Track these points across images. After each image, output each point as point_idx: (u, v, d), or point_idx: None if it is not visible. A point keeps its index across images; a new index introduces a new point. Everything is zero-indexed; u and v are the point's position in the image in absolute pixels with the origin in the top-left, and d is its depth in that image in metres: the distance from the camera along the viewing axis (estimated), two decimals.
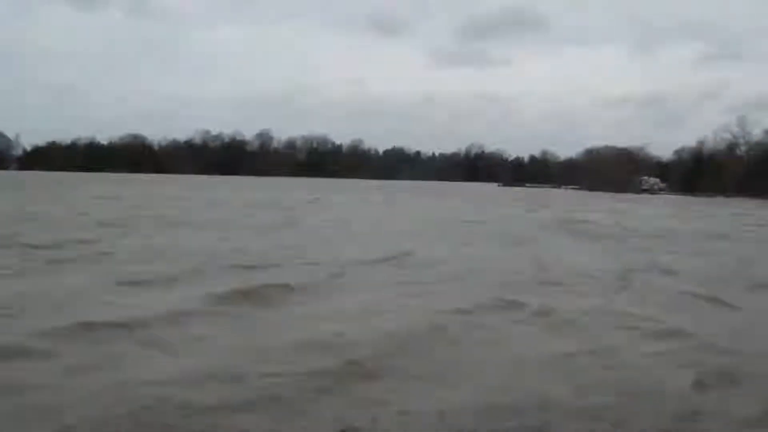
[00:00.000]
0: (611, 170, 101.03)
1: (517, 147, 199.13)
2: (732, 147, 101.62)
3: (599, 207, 47.50)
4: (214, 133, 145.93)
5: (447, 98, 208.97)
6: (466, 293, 10.13)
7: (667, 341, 7.53)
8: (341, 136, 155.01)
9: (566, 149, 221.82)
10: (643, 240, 21.56)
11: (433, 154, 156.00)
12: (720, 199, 79.74)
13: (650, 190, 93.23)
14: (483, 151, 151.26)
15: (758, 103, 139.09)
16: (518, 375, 6.10)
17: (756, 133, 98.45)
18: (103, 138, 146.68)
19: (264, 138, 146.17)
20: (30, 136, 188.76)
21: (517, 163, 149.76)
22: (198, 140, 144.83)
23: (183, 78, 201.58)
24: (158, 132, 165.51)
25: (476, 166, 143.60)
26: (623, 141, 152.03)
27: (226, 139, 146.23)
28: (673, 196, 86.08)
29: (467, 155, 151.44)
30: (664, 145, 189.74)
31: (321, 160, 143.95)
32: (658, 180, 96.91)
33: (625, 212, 41.51)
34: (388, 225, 24.68)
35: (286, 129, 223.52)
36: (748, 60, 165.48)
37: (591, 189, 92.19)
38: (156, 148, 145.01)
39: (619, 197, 74.97)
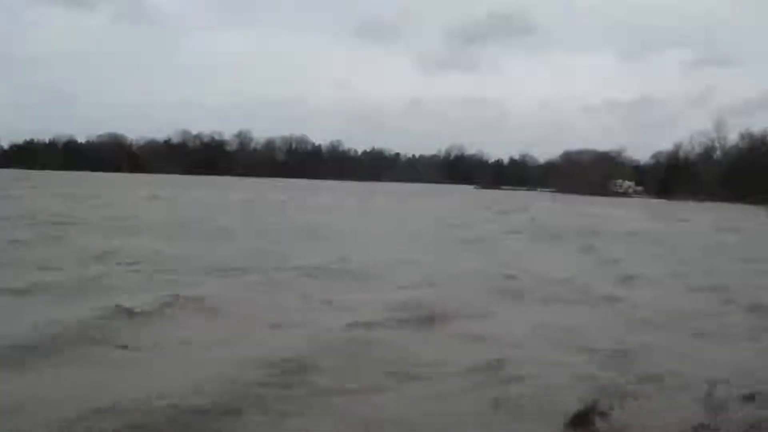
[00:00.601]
0: (587, 173, 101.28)
1: (504, 150, 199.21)
2: (708, 151, 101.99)
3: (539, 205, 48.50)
4: (193, 133, 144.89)
5: (434, 102, 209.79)
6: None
7: None
8: (326, 138, 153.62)
9: (553, 152, 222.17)
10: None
11: (414, 156, 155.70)
12: (691, 204, 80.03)
13: (624, 193, 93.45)
14: (463, 154, 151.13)
15: (745, 108, 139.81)
16: None
17: (732, 138, 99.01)
18: (83, 137, 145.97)
19: (243, 138, 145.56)
20: (14, 135, 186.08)
21: (498, 165, 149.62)
22: (177, 140, 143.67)
23: (171, 81, 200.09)
24: (144, 134, 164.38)
25: (456, 168, 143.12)
26: (607, 145, 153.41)
27: (206, 139, 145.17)
28: (642, 199, 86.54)
29: (447, 157, 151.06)
30: (650, 150, 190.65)
31: (300, 161, 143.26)
32: (632, 183, 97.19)
33: (551, 211, 42.70)
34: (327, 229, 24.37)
35: (271, 131, 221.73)
36: (736, 66, 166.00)
37: (564, 191, 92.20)
38: (134, 147, 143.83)
39: (586, 199, 75.16)
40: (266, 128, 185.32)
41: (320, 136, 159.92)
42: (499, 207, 48.37)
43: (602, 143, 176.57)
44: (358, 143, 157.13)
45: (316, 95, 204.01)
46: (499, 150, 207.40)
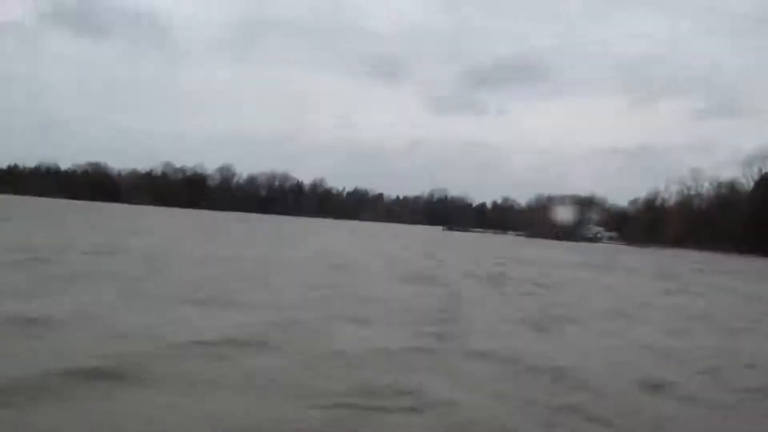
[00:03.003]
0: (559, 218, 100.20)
1: (502, 194, 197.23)
2: (685, 198, 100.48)
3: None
4: (176, 165, 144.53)
5: (434, 144, 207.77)
6: None
7: None
8: (319, 175, 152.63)
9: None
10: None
11: (398, 197, 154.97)
12: (651, 249, 78.67)
13: (593, 238, 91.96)
14: (446, 196, 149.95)
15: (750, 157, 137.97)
16: None
17: (706, 186, 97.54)
18: (66, 165, 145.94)
19: (225, 172, 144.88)
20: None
21: (481, 208, 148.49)
22: (159, 171, 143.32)
23: (167, 112, 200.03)
24: (134, 164, 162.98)
25: (437, 210, 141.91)
26: (606, 191, 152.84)
27: (188, 172, 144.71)
28: (606, 245, 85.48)
29: (430, 199, 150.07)
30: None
31: (282, 198, 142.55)
32: (602, 229, 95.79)
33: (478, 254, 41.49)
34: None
35: (265, 166, 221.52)
36: (742, 116, 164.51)
37: (533, 236, 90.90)
38: (116, 177, 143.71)
39: (549, 243, 74.02)
40: (260, 163, 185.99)
41: (316, 173, 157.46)
42: (432, 250, 47.08)
43: (602, 188, 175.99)
44: (352, 181, 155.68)
45: (315, 132, 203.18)
46: (496, 193, 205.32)
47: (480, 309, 14.32)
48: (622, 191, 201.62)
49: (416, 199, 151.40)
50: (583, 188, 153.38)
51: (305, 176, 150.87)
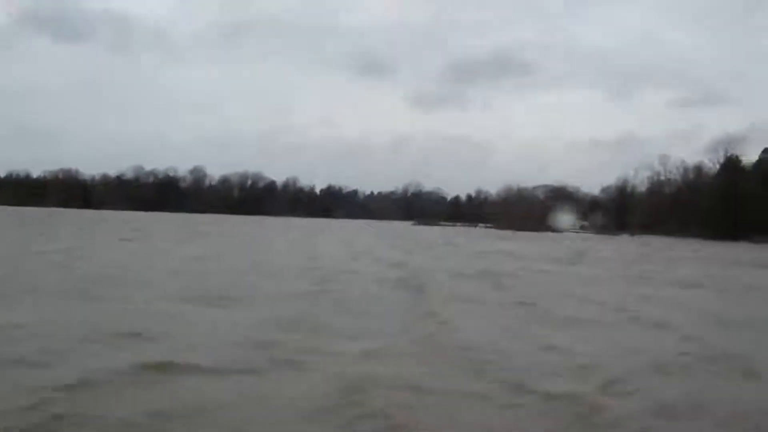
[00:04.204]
0: (530, 208, 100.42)
1: (482, 188, 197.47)
2: (654, 184, 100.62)
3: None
4: (147, 169, 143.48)
5: (417, 140, 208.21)
6: None
7: None
8: (298, 174, 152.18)
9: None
10: None
11: (372, 192, 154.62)
12: (624, 237, 78.97)
13: (560, 229, 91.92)
14: (421, 190, 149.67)
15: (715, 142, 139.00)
16: None
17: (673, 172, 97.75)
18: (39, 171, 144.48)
19: (197, 174, 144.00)
20: None
21: (455, 202, 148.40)
22: (130, 175, 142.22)
23: (143, 115, 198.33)
24: (107, 170, 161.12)
25: (412, 205, 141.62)
26: (587, 183, 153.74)
27: (160, 175, 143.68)
28: (575, 233, 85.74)
29: (404, 194, 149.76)
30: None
31: (256, 198, 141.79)
32: (571, 218, 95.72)
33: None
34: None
35: (244, 167, 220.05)
36: (720, 104, 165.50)
37: (502, 227, 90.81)
38: (88, 183, 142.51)
39: (514, 234, 74.06)
40: (240, 163, 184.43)
41: (297, 173, 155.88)
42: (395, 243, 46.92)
43: (580, 181, 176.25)
44: (334, 180, 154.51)
45: (297, 131, 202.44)
46: (480, 187, 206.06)
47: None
48: (604, 183, 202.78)
49: (391, 195, 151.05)
50: (562, 180, 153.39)
51: (286, 176, 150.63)
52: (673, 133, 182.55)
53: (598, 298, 16.56)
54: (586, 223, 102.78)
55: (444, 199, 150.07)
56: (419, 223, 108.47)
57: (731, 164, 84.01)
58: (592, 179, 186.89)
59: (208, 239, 40.95)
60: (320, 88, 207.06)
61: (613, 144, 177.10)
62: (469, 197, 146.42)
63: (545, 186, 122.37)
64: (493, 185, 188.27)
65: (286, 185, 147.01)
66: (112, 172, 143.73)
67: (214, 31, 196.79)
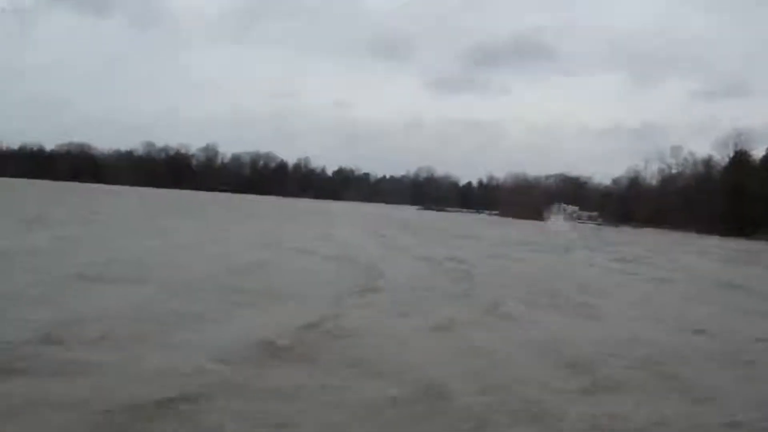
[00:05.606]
0: (536, 197, 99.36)
1: (497, 173, 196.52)
2: (664, 176, 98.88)
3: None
4: (159, 145, 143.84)
5: (433, 124, 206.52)
6: None
7: None
8: (315, 155, 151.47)
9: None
10: None
11: (384, 176, 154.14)
12: (627, 229, 77.90)
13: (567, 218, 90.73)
14: (432, 175, 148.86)
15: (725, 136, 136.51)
16: None
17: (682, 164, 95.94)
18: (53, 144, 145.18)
19: (209, 152, 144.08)
20: None
21: (467, 187, 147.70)
22: (141, 152, 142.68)
23: (165, 93, 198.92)
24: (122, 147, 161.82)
25: (422, 189, 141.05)
26: (604, 172, 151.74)
27: (171, 152, 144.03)
28: (576, 223, 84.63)
29: (416, 178, 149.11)
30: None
31: (267, 178, 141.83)
32: (576, 208, 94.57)
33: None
34: None
35: (260, 147, 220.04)
36: (744, 96, 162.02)
37: (506, 215, 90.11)
38: (99, 158, 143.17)
39: (517, 222, 73.39)
40: (255, 144, 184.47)
41: (311, 154, 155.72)
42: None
43: (601, 169, 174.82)
44: (347, 162, 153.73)
45: (312, 113, 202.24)
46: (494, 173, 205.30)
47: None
48: (621, 172, 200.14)
49: (402, 179, 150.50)
50: (579, 168, 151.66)
51: (297, 157, 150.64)
52: (694, 125, 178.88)
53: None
54: (594, 214, 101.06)
55: (455, 184, 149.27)
56: (425, 209, 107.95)
57: (740, 159, 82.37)
58: (612, 168, 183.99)
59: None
60: (336, 70, 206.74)
61: (633, 133, 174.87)
62: (481, 183, 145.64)
63: (558, 175, 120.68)
64: (507, 172, 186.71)
65: (297, 166, 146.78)
66: (124, 148, 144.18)
67: (233, 13, 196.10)
